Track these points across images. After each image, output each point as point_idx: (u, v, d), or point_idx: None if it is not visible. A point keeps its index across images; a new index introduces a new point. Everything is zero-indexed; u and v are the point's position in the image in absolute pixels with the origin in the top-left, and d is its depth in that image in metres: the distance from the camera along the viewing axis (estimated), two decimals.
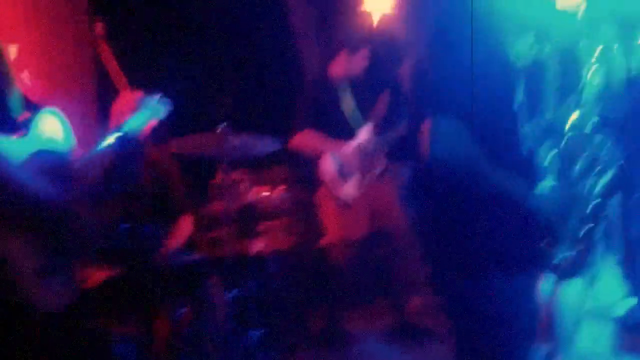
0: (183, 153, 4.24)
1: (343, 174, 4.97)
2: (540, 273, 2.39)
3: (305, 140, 5.01)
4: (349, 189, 4.97)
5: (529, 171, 2.30)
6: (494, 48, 2.19)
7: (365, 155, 4.98)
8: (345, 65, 5.05)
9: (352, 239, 5.01)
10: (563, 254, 2.34)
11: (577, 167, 2.40)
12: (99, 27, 4.03)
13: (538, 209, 2.27)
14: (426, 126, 2.21)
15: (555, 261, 2.34)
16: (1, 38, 3.33)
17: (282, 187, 5.43)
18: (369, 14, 5.45)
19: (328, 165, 4.96)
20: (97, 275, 3.99)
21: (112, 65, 3.95)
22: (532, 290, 2.38)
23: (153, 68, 4.93)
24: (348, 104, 5.07)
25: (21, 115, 2.23)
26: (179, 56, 5.45)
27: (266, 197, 5.30)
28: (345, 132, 5.02)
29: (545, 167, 2.37)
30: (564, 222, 2.34)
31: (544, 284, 2.47)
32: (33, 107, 2.31)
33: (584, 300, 3.25)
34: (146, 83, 3.78)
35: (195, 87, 5.22)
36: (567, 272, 2.41)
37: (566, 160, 2.41)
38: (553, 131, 2.33)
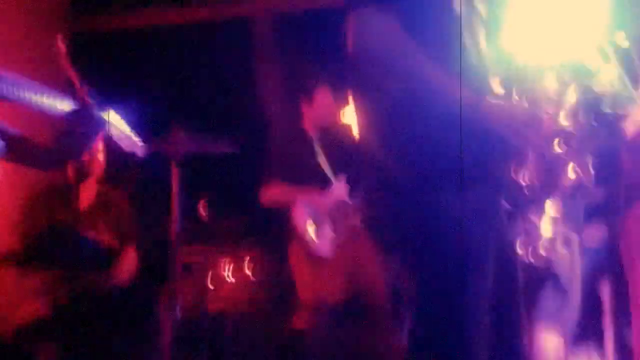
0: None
1: (316, 225, 4.54)
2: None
3: (275, 192, 4.58)
4: (322, 242, 4.49)
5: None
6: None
7: (340, 209, 4.57)
8: (317, 116, 4.74)
9: (325, 302, 4.52)
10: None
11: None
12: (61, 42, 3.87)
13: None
14: None
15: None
16: None
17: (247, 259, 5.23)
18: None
19: (300, 215, 4.47)
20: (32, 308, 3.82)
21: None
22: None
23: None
24: (321, 155, 4.71)
25: None
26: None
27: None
28: (318, 184, 4.59)
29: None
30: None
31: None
32: None
33: None
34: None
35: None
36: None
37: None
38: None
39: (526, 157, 2.42)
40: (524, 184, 2.56)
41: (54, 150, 2.61)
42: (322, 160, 4.71)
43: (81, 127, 2.44)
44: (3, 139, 2.49)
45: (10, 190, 4.42)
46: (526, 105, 2.24)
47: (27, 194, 4.18)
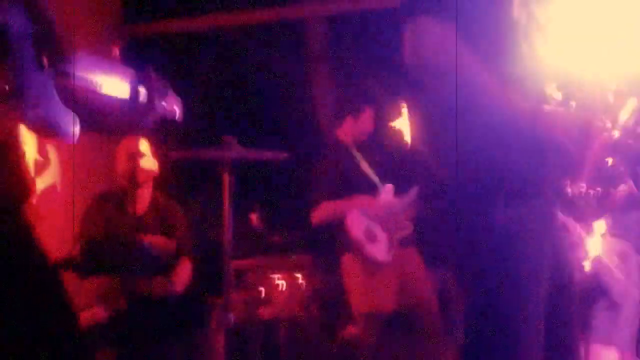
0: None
1: (370, 232, 4.47)
2: None
3: (324, 211, 4.51)
4: (378, 250, 4.43)
5: None
6: None
7: (390, 215, 4.52)
8: (353, 129, 4.70)
9: (378, 312, 4.44)
10: None
11: None
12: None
13: None
14: None
15: None
16: None
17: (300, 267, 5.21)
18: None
19: (355, 223, 4.42)
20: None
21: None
22: None
23: None
24: (364, 166, 4.67)
25: None
26: None
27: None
28: (366, 192, 4.56)
29: None
30: None
31: None
32: None
33: None
34: None
35: None
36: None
37: None
38: None
39: (581, 167, 2.37)
40: (577, 195, 2.51)
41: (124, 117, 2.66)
42: (366, 169, 4.68)
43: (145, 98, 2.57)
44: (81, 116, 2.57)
45: (67, 198, 4.49)
46: (583, 114, 2.20)
47: (84, 202, 4.24)
